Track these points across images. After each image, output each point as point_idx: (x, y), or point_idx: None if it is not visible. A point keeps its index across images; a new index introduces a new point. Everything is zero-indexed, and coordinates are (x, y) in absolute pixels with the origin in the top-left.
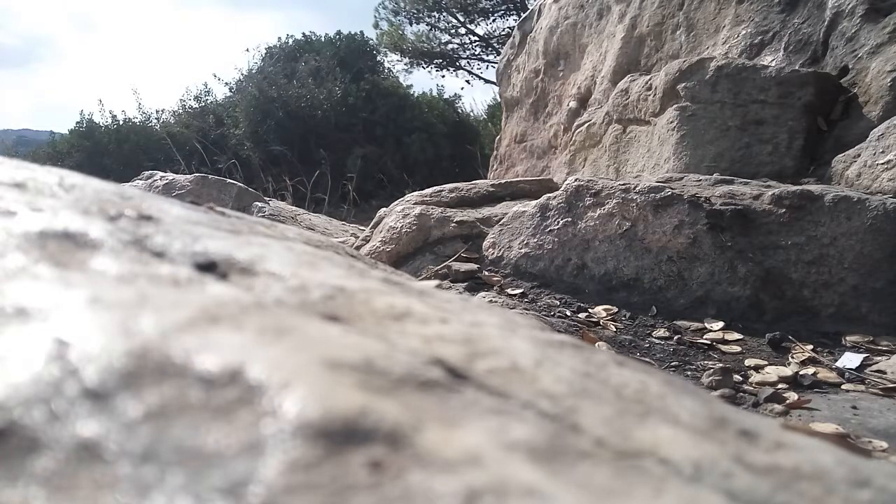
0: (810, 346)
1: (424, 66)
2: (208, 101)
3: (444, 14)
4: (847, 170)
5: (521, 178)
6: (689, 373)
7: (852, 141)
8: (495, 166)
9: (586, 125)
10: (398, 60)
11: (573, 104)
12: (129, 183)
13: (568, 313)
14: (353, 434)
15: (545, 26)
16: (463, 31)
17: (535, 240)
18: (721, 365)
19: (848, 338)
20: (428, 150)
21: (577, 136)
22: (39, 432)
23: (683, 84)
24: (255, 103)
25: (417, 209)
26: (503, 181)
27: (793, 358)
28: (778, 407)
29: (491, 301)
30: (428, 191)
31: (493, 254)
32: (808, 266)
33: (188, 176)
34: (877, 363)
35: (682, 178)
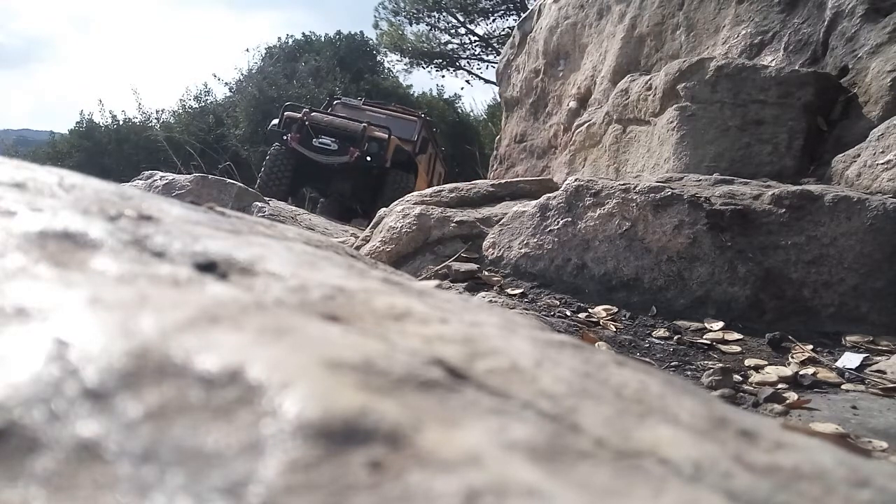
0: (810, 346)
1: (424, 66)
2: (208, 102)
3: (444, 14)
4: (847, 170)
5: (521, 178)
6: (689, 373)
7: (852, 141)
8: (495, 166)
9: (586, 125)
10: (398, 60)
11: (573, 104)
12: (129, 183)
13: (568, 313)
14: (353, 434)
15: (545, 26)
16: (463, 31)
17: (535, 240)
18: (721, 365)
19: (848, 338)
20: None
21: (577, 136)
22: (39, 432)
23: (683, 84)
24: (255, 103)
25: (417, 209)
26: (503, 181)
27: (793, 358)
28: (778, 407)
29: (491, 301)
30: (428, 191)
31: (493, 254)
32: (808, 266)
33: (188, 176)
34: (877, 363)
35: (682, 178)
